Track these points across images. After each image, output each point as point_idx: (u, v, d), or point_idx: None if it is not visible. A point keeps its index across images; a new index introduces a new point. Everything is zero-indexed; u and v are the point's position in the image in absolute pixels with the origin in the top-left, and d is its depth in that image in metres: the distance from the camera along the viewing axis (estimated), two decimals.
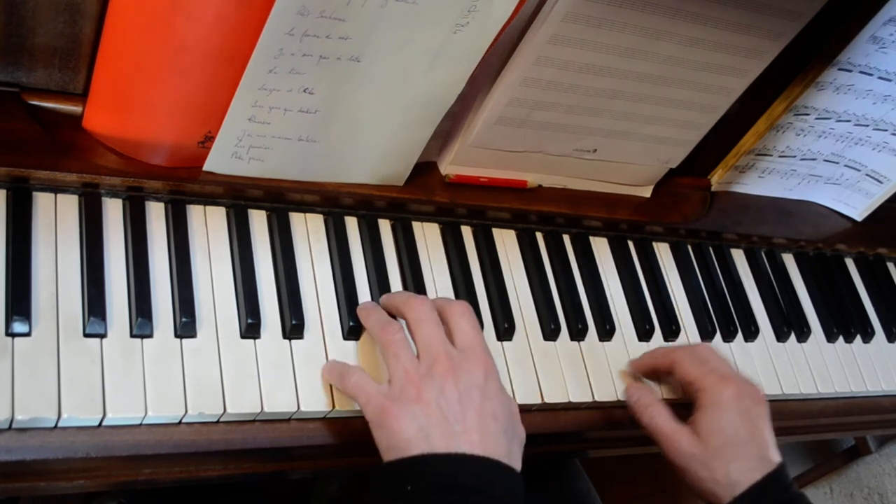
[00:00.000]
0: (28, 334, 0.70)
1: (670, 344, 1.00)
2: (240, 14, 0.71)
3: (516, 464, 0.72)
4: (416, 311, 0.76)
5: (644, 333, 0.99)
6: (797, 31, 0.91)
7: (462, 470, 0.69)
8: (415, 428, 0.70)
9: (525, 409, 0.84)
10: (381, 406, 0.71)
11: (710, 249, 1.12)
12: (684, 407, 0.87)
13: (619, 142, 0.98)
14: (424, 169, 0.94)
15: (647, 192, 1.08)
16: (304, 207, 0.88)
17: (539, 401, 0.88)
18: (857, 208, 1.24)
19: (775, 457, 0.82)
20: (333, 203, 0.89)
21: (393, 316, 0.80)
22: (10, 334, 0.69)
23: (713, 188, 1.14)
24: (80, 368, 0.70)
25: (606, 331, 0.96)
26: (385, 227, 0.92)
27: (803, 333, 1.11)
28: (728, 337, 1.05)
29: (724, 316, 1.06)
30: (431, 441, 0.69)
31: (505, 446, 0.72)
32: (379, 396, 0.72)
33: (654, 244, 1.08)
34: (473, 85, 0.85)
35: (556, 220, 1.01)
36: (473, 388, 0.72)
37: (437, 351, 0.73)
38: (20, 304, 0.70)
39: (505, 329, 0.90)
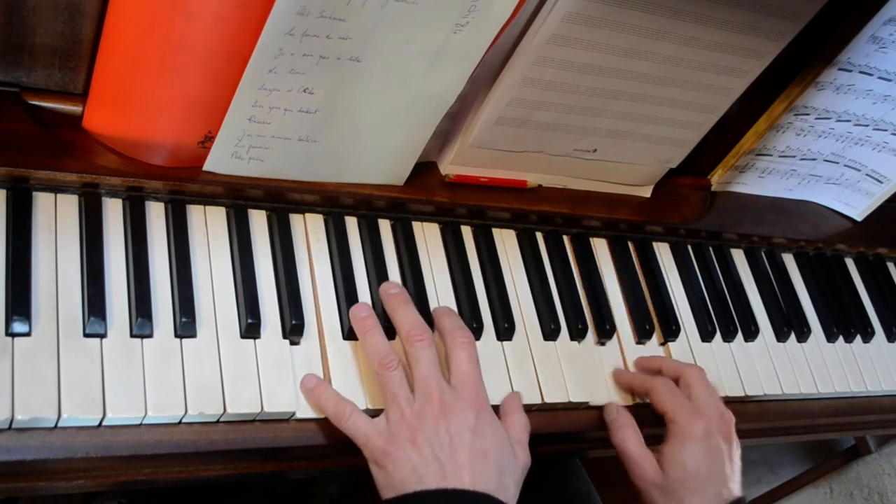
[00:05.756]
0: (28, 334, 0.70)
1: (669, 345, 1.01)
2: (240, 14, 0.71)
3: (508, 495, 0.75)
4: (415, 349, 0.78)
5: (644, 333, 0.99)
6: (797, 31, 0.91)
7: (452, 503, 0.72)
8: (409, 469, 0.73)
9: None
10: (378, 448, 0.75)
11: (710, 249, 1.11)
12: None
13: (619, 142, 0.98)
14: (424, 169, 0.94)
15: (647, 192, 1.08)
16: (304, 207, 0.88)
17: (539, 401, 0.88)
18: (857, 208, 1.24)
19: (734, 492, 0.84)
20: (333, 203, 0.89)
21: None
22: (10, 334, 0.69)
23: (713, 188, 1.13)
24: (80, 368, 0.70)
25: (606, 331, 0.96)
26: (385, 227, 0.92)
27: (803, 333, 1.11)
28: (728, 337, 1.05)
29: (724, 316, 1.06)
30: (424, 482, 0.73)
31: (496, 481, 0.74)
32: (376, 437, 0.75)
33: (654, 244, 1.08)
34: (473, 85, 0.85)
35: (555, 220, 1.01)
36: (465, 430, 0.75)
37: (432, 392, 0.76)
38: (20, 304, 0.70)
39: (505, 329, 0.90)
